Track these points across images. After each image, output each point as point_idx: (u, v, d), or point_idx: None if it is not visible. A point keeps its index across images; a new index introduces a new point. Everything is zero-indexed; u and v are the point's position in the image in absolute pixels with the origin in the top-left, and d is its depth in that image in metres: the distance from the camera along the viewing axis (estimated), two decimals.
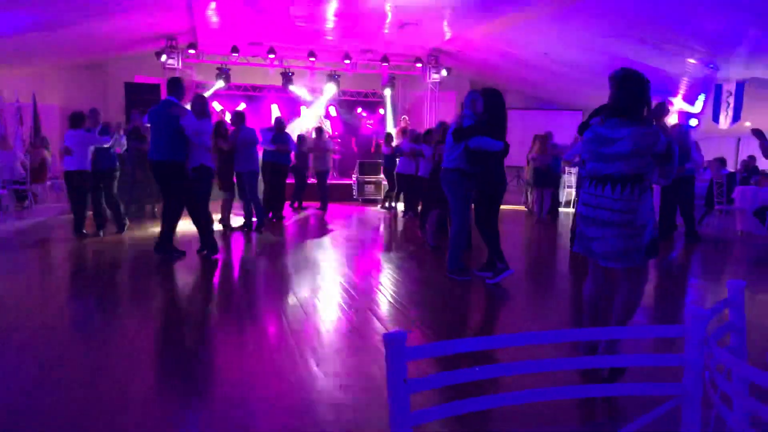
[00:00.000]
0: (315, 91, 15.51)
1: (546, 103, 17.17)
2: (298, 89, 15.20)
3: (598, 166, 3.23)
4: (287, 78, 14.80)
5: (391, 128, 15.11)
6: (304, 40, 13.69)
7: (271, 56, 14.05)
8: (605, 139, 3.20)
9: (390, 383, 1.35)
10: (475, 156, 5.54)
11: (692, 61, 11.41)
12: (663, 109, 3.58)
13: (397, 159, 11.09)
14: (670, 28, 9.95)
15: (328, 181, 12.38)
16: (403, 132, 12.54)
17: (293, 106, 15.58)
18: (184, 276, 5.91)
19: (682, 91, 12.98)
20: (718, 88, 11.93)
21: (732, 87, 11.60)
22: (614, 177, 3.15)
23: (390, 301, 4.95)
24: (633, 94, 3.15)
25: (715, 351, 1.25)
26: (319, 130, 12.66)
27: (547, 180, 11.19)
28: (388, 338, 1.34)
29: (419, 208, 9.56)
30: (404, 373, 1.33)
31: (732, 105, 11.59)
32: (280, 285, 5.62)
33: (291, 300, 4.94)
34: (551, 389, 1.34)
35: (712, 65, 11.46)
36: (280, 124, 10.26)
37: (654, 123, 3.33)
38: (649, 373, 2.88)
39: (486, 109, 5.54)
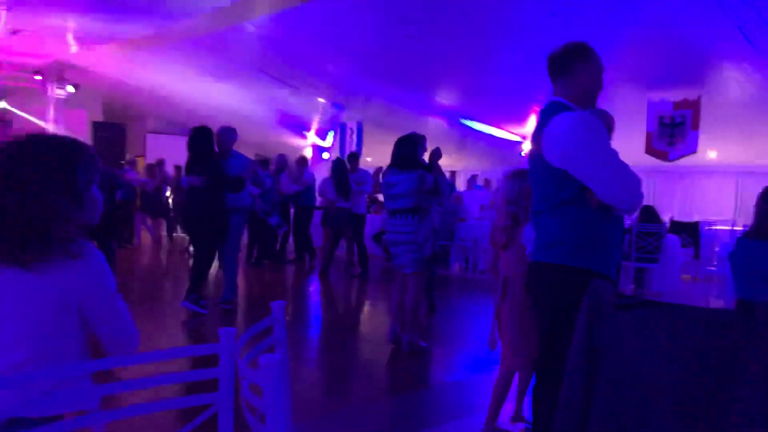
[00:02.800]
0: None
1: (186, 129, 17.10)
2: None
3: (389, 204, 4.64)
4: None
5: None
6: None
7: None
8: (389, 184, 4.60)
9: None
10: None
11: (322, 100, 12.89)
12: (438, 153, 4.74)
13: None
14: (300, 70, 11.03)
15: None
16: None
17: None
18: None
19: (314, 127, 14.59)
20: (343, 127, 13.72)
21: (354, 125, 13.46)
22: (400, 210, 4.54)
23: None
24: (408, 151, 4.59)
25: (240, 363, 1.42)
26: None
27: None
28: None
29: None
30: None
31: (355, 141, 13.43)
32: None
33: None
34: (105, 412, 1.38)
35: (337, 106, 13.15)
36: None
37: (426, 167, 4.67)
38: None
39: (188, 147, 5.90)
